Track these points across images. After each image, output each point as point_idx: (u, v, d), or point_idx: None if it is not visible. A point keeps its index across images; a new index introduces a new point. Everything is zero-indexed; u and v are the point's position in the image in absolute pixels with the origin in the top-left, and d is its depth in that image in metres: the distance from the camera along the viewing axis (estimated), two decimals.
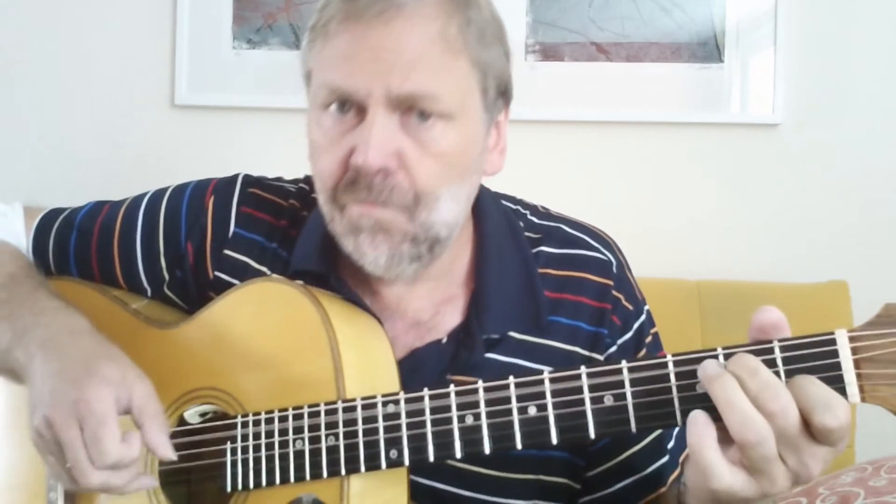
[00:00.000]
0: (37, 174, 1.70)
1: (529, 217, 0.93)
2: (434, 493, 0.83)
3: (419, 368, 0.83)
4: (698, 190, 1.63)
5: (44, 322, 0.83)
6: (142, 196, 0.99)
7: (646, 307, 0.92)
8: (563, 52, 1.63)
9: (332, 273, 0.86)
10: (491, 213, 0.90)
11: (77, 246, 0.98)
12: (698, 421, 0.62)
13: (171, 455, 0.76)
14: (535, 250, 0.89)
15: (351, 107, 0.78)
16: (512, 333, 0.86)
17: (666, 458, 0.87)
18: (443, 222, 0.80)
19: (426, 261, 0.81)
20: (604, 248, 0.91)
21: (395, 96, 0.76)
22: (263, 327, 0.81)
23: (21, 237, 0.99)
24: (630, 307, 0.89)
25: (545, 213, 0.95)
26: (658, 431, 0.87)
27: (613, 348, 0.87)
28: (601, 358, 0.86)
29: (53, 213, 1.01)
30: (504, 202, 0.94)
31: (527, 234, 0.91)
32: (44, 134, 1.70)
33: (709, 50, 1.61)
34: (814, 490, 1.21)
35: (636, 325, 0.89)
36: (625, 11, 1.61)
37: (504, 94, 0.88)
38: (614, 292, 0.88)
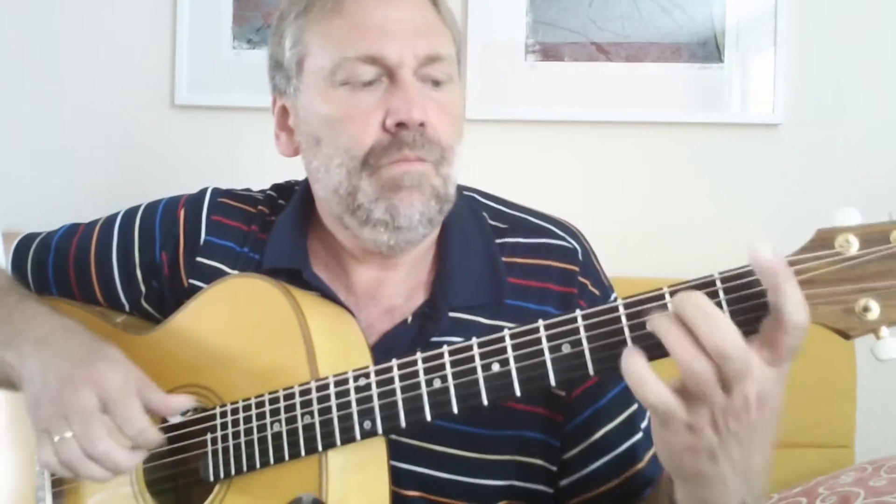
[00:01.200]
0: (37, 174, 1.70)
1: (496, 207, 0.97)
2: (415, 476, 0.85)
3: (391, 350, 0.86)
4: (698, 190, 1.63)
5: (36, 323, 0.85)
6: (115, 214, 1.02)
7: (614, 294, 0.95)
8: (563, 52, 1.63)
9: (305, 267, 0.89)
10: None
11: (55, 266, 1.01)
12: (629, 366, 0.63)
13: (187, 403, 0.81)
14: (501, 240, 0.93)
15: (367, 74, 0.83)
16: (481, 319, 0.88)
17: (640, 436, 0.90)
18: (452, 179, 0.87)
19: (434, 225, 0.87)
20: (569, 237, 0.95)
21: (423, 57, 0.83)
22: (237, 321, 0.84)
23: (0, 260, 1.02)
24: (597, 292, 0.92)
25: (512, 205, 0.99)
26: (630, 410, 0.90)
27: None
28: None
29: (29, 238, 1.04)
30: (466, 192, 0.97)
31: (493, 223, 0.95)
32: (44, 134, 1.70)
33: (709, 50, 1.61)
34: (814, 490, 1.21)
35: None
36: (625, 11, 1.61)
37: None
38: (580, 278, 0.91)
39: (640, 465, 0.89)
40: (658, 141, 1.63)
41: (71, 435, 0.76)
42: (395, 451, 0.81)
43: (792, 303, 0.60)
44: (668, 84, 1.61)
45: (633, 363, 0.63)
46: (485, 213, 0.96)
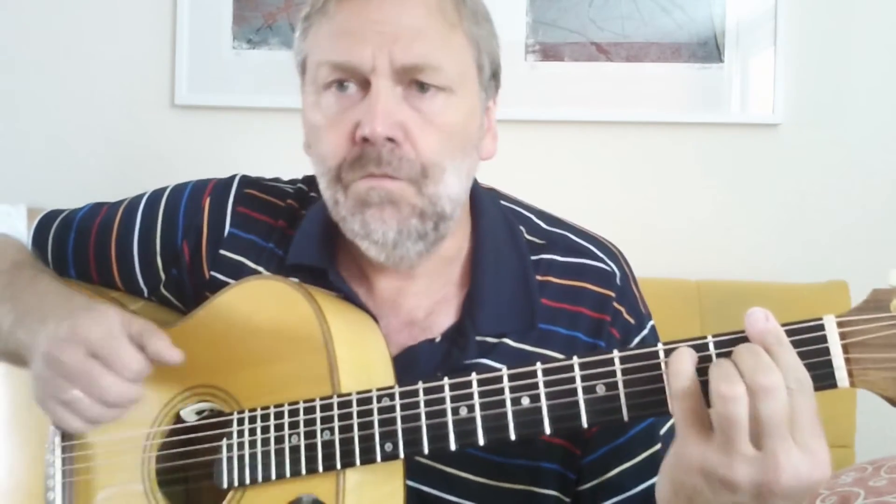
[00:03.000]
0: (37, 174, 1.70)
1: (535, 221, 0.92)
2: (421, 496, 0.83)
3: (412, 366, 0.83)
4: (698, 190, 1.63)
5: (47, 302, 0.84)
6: (140, 196, 0.99)
7: (650, 322, 0.90)
8: (563, 52, 1.63)
9: (331, 268, 0.86)
10: (489, 212, 0.90)
11: (75, 246, 0.99)
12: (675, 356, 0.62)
13: (178, 357, 0.78)
14: (538, 257, 0.88)
15: (350, 83, 0.79)
16: (507, 341, 0.85)
17: (657, 478, 0.86)
18: (448, 196, 0.80)
19: (431, 240, 0.81)
20: (608, 259, 0.90)
21: (399, 66, 0.77)
22: (258, 324, 0.82)
23: (23, 237, 1.00)
24: (632, 321, 0.87)
25: (553, 220, 0.94)
26: (652, 450, 0.85)
27: None
28: None
29: (52, 214, 1.02)
30: (505, 202, 0.93)
31: (531, 238, 0.90)
32: (44, 134, 1.71)
33: (709, 50, 1.61)
34: None
35: (637, 340, 0.87)
36: (625, 11, 1.62)
37: (496, 77, 0.87)
38: (615, 304, 0.87)
39: None
40: (658, 141, 1.63)
41: (80, 392, 0.75)
42: (409, 458, 0.78)
43: (786, 367, 0.59)
44: (668, 84, 1.61)
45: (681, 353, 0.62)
46: (522, 227, 0.91)
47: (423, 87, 0.79)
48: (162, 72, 1.68)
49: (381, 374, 0.80)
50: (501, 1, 1.66)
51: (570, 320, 0.86)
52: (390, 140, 0.77)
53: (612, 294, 0.87)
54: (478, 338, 0.84)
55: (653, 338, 0.89)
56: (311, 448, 0.75)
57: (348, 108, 0.79)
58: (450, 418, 0.71)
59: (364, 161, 0.77)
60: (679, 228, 1.62)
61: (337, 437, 0.74)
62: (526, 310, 0.85)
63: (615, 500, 0.85)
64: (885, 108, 1.60)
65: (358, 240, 0.81)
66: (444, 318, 0.87)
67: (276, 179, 0.99)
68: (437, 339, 0.85)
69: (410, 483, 0.81)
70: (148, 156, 1.69)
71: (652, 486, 0.82)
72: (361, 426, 0.74)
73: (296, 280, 0.84)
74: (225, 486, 0.79)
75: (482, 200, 0.90)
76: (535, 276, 0.87)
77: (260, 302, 0.83)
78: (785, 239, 1.61)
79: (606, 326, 0.86)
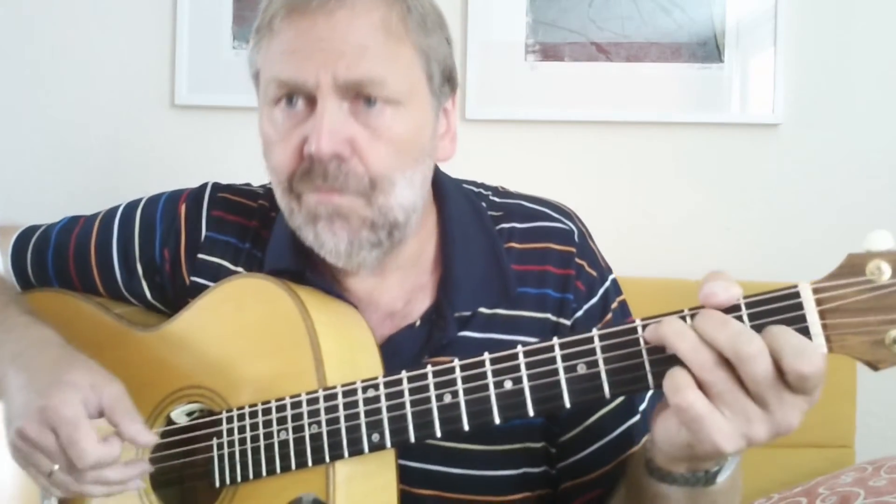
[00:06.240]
0: (37, 174, 1.70)
1: (491, 197, 0.96)
2: (426, 475, 0.84)
3: (396, 354, 0.85)
4: (698, 190, 1.63)
5: (13, 338, 0.84)
6: (115, 208, 1.01)
7: (611, 276, 0.94)
8: (563, 52, 1.63)
9: (307, 269, 0.87)
10: (453, 197, 0.92)
11: (55, 261, 1.00)
12: (676, 375, 0.62)
13: (151, 439, 0.78)
14: (498, 227, 0.92)
15: (299, 99, 0.80)
16: (481, 309, 0.87)
17: (636, 418, 0.88)
18: (399, 206, 0.82)
19: (386, 247, 0.83)
20: (564, 219, 0.94)
21: (342, 83, 0.78)
22: (243, 322, 0.83)
23: None
24: (594, 273, 0.91)
25: (505, 192, 0.97)
26: None
27: (580, 313, 0.89)
28: (568, 323, 0.88)
29: (29, 231, 1.03)
30: (465, 186, 0.96)
31: (489, 213, 0.93)
32: (44, 134, 1.70)
33: (709, 50, 1.61)
34: (814, 490, 1.21)
35: (601, 291, 0.91)
36: (625, 11, 1.62)
37: (450, 80, 0.88)
38: (577, 259, 0.91)
39: (636, 449, 0.87)
40: (658, 141, 1.63)
41: (58, 468, 0.76)
42: (404, 449, 0.79)
43: (791, 353, 0.58)
44: (668, 84, 1.61)
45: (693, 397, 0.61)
46: (483, 204, 0.94)
47: (370, 101, 0.79)
48: (162, 72, 1.68)
49: (368, 364, 0.81)
50: (501, 1, 1.67)
51: (539, 279, 0.89)
52: (337, 156, 0.78)
53: (574, 250, 0.91)
54: (455, 314, 0.87)
55: (615, 290, 0.93)
56: (299, 442, 0.76)
57: (297, 124, 0.80)
58: (434, 405, 0.72)
59: (312, 175, 0.79)
60: (679, 228, 1.62)
61: (324, 430, 0.75)
62: (500, 280, 0.88)
63: (598, 444, 0.87)
64: (885, 107, 1.60)
65: (314, 248, 0.83)
66: (420, 304, 0.89)
67: (247, 184, 1.02)
68: (417, 324, 0.87)
69: (416, 464, 0.83)
70: (148, 156, 1.69)
71: (632, 426, 0.86)
72: (348, 418, 0.74)
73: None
74: (217, 484, 0.80)
75: (445, 186, 0.92)
76: (502, 246, 0.90)
77: (244, 300, 0.84)
78: (785, 239, 1.61)
79: (572, 280, 0.90)
